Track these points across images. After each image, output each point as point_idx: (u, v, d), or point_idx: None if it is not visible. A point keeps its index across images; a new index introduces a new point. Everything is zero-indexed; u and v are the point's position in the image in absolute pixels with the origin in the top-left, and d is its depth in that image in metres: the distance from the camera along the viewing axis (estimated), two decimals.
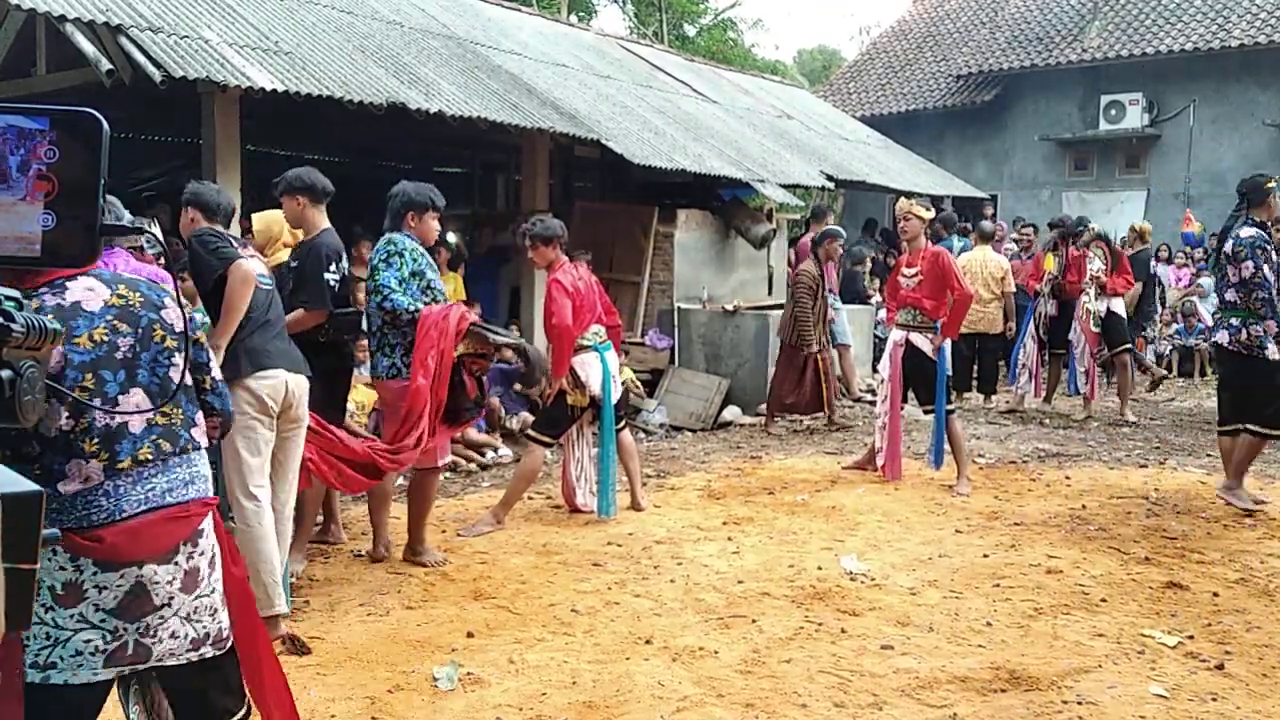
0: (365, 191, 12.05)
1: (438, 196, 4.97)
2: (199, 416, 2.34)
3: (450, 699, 3.42)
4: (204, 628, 2.24)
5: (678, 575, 4.74)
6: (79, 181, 1.23)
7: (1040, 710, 3.31)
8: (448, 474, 6.94)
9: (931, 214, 6.66)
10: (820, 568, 4.83)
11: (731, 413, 9.34)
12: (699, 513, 5.94)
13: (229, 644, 2.31)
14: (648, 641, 3.92)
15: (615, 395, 5.73)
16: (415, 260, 4.81)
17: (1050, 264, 9.50)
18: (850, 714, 3.31)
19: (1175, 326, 12.81)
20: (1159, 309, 12.91)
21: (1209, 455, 7.52)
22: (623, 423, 5.93)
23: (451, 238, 8.68)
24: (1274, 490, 6.37)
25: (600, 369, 5.61)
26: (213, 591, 2.27)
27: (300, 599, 4.38)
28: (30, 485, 1.06)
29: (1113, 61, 16.87)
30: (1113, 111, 16.82)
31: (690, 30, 26.23)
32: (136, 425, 2.17)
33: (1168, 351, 12.71)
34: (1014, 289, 9.82)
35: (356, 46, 8.35)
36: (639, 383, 9.23)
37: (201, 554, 2.24)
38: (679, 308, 10.00)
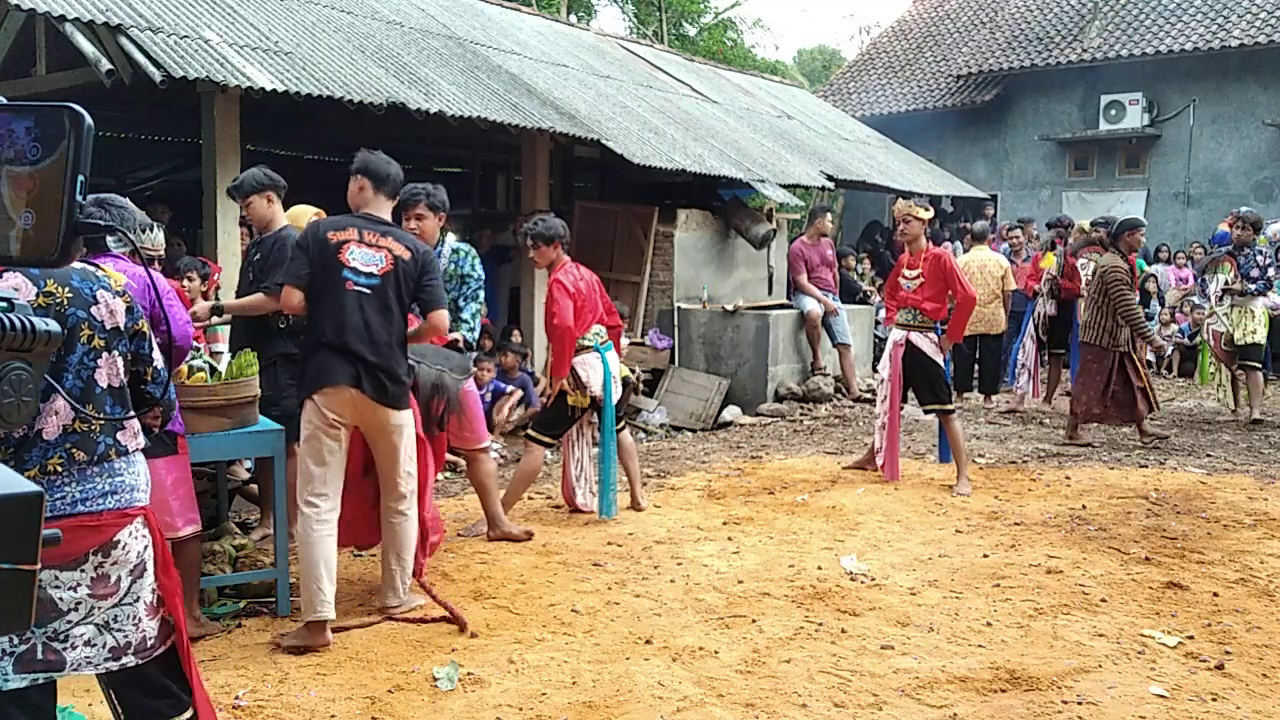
0: None
1: (411, 193, 4.93)
2: (130, 420, 2.25)
3: (450, 699, 3.42)
4: (125, 637, 2.18)
5: (678, 575, 4.74)
6: (59, 179, 1.22)
7: (1040, 710, 3.31)
8: (447, 473, 6.94)
9: (930, 214, 6.64)
10: (820, 568, 4.83)
11: (731, 413, 9.34)
12: (699, 513, 5.94)
13: (155, 653, 2.24)
14: (648, 641, 3.92)
15: (616, 395, 5.73)
16: None
17: (1049, 263, 9.51)
18: (850, 714, 3.31)
19: (1175, 326, 12.80)
20: (1158, 309, 12.92)
21: (1209, 455, 7.52)
22: (622, 423, 5.93)
23: (451, 238, 8.67)
24: (1274, 490, 6.37)
25: (601, 369, 5.61)
26: (136, 600, 2.20)
27: (300, 599, 4.38)
28: (30, 486, 1.06)
29: (1113, 61, 16.86)
30: (1113, 111, 16.82)
31: (690, 30, 26.21)
32: (51, 432, 2.10)
33: (1168, 351, 12.71)
34: (1015, 287, 9.83)
35: (356, 46, 8.36)
36: (637, 373, 9.21)
37: (115, 564, 2.17)
38: (679, 308, 10.01)
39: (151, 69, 6.26)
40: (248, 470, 5.80)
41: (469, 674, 3.59)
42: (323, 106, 7.24)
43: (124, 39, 6.45)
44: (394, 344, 4.00)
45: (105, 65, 6.36)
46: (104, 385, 2.18)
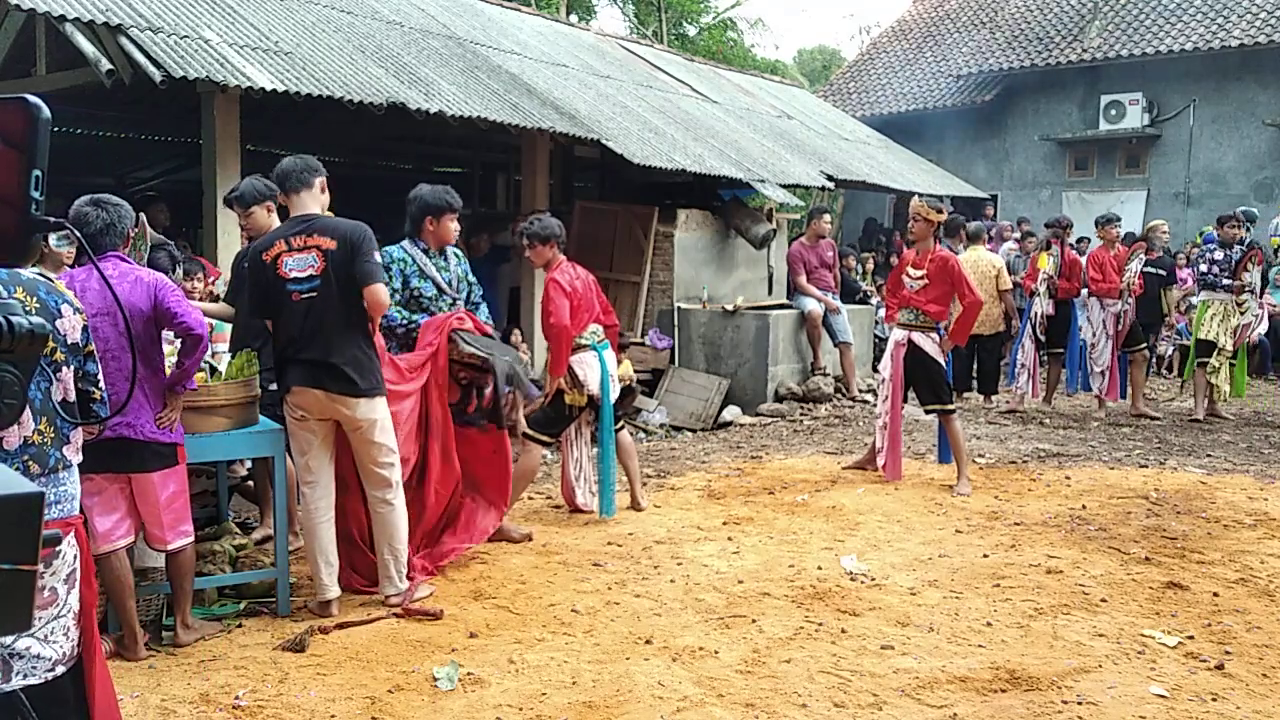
0: (365, 191, 12.09)
1: (454, 198, 5.08)
2: (75, 434, 2.25)
3: (450, 699, 3.42)
4: (60, 648, 2.19)
5: (678, 575, 4.74)
6: (16, 175, 1.18)
7: (1040, 710, 3.31)
8: None
9: (943, 216, 6.61)
10: (820, 568, 4.83)
11: (731, 413, 9.34)
12: (699, 513, 5.94)
13: (76, 662, 2.26)
14: (648, 641, 3.92)
15: (614, 394, 5.73)
16: (402, 271, 4.98)
17: (1045, 263, 9.50)
18: (850, 714, 3.31)
19: (1178, 326, 12.79)
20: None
21: (1209, 455, 7.52)
22: (621, 422, 5.92)
23: None
24: (1274, 490, 6.37)
25: (598, 368, 5.61)
26: (69, 612, 2.22)
27: (299, 599, 4.38)
28: (30, 486, 1.06)
29: (1113, 61, 16.87)
30: (1113, 111, 16.82)
31: (690, 30, 26.20)
32: (11, 443, 2.11)
33: (1169, 351, 12.71)
34: (1010, 286, 9.84)
35: (356, 46, 8.35)
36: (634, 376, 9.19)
37: (54, 574, 2.18)
38: (679, 308, 10.00)
39: (151, 69, 6.25)
40: (247, 469, 5.80)
41: (469, 674, 3.59)
42: (323, 106, 7.24)
43: (124, 39, 6.45)
44: (350, 336, 4.10)
45: (105, 65, 6.35)
46: (58, 399, 2.19)
